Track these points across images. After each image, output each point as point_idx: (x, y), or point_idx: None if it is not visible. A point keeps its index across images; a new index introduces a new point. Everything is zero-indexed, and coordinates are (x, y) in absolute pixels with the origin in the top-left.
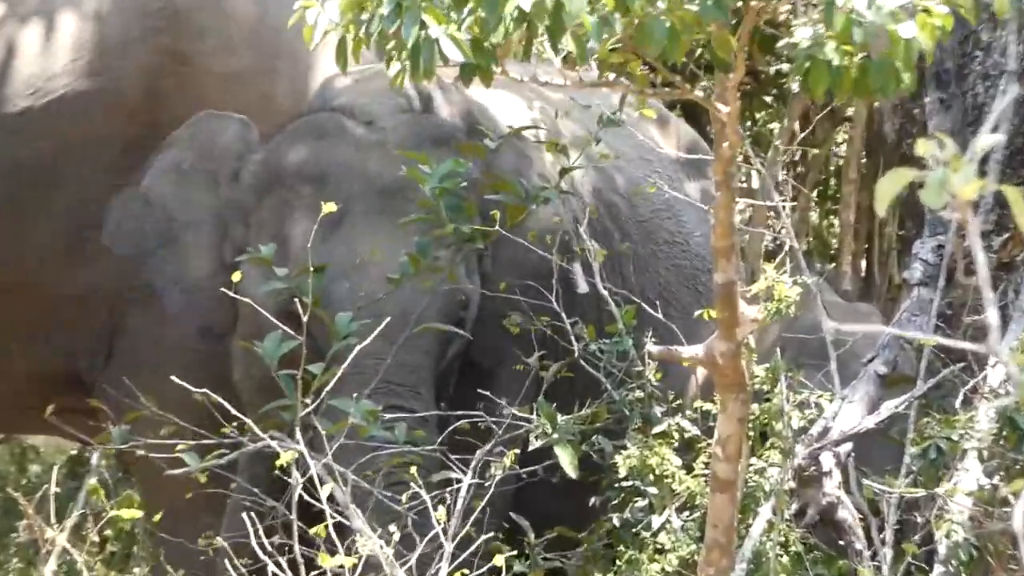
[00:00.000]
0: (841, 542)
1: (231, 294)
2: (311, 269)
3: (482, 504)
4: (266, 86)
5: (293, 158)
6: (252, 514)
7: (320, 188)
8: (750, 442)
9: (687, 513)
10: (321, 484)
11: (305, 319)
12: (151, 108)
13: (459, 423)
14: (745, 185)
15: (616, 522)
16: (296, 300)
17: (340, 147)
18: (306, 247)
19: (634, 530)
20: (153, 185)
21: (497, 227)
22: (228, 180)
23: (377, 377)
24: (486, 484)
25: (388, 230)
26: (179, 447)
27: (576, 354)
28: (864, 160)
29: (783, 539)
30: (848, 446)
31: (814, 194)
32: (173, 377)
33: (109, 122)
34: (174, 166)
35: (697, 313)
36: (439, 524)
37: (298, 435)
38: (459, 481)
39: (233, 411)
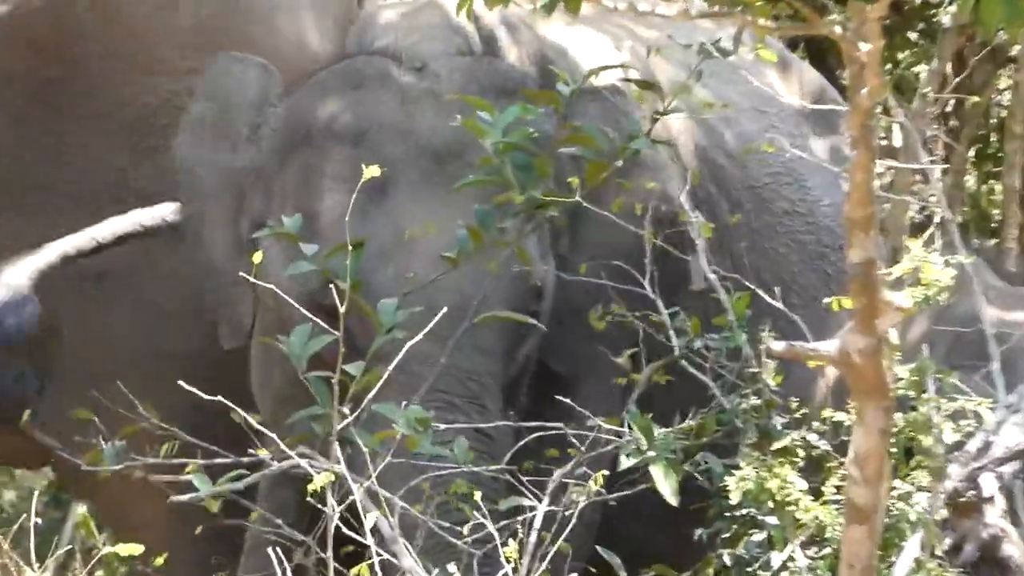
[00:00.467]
0: None
1: (251, 279)
2: (348, 247)
3: (561, 538)
4: (279, 23)
5: (323, 112)
6: (278, 549)
7: (358, 149)
8: (893, 461)
9: (815, 549)
10: (363, 513)
11: (343, 309)
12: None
13: (531, 437)
14: (885, 142)
15: (727, 560)
16: (331, 287)
17: (383, 98)
18: (340, 222)
19: (749, 569)
20: (180, 144)
21: (577, 193)
22: (245, 138)
23: (427, 385)
24: (566, 513)
25: (442, 200)
26: (188, 468)
27: (677, 352)
28: None
29: None
30: (1014, 466)
31: (971, 153)
32: (182, 382)
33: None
34: (197, 120)
35: (826, 301)
36: (508, 563)
37: (336, 451)
38: (532, 509)
39: (253, 422)
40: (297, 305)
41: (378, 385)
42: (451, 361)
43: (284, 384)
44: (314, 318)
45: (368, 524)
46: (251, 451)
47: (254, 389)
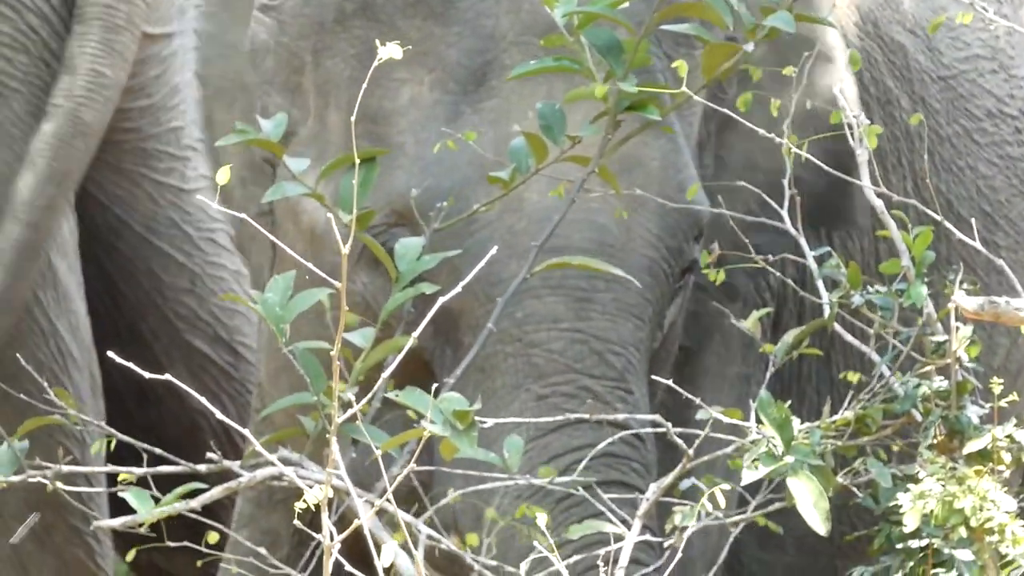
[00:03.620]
0: None
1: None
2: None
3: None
4: None
5: None
6: None
7: (439, 23)
8: None
9: None
10: (373, 545)
11: (345, 250)
12: None
13: (616, 437)
14: None
15: None
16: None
17: None
18: (425, 127)
19: None
20: (197, 28)
21: (684, 86)
22: (260, 9)
23: (551, 364)
24: (669, 543)
25: (587, 95)
26: (120, 476)
27: (828, 314)
28: None
29: None
30: None
31: None
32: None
33: None
34: None
35: None
36: None
37: (334, 454)
38: (619, 539)
39: (220, 415)
40: (299, 257)
41: (394, 364)
42: (582, 325)
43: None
44: (328, 279)
45: (383, 561)
46: (211, 455)
47: (267, 377)
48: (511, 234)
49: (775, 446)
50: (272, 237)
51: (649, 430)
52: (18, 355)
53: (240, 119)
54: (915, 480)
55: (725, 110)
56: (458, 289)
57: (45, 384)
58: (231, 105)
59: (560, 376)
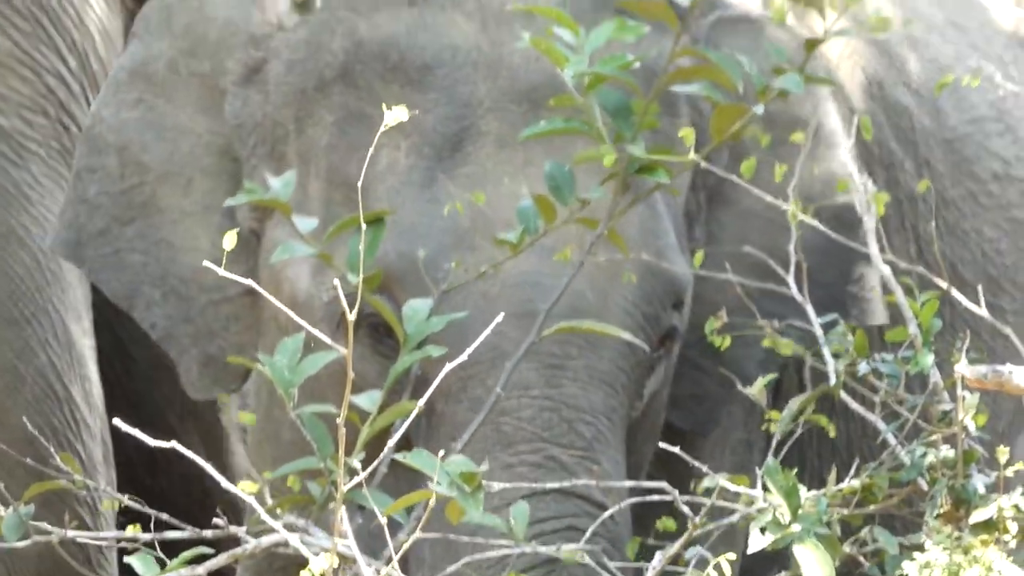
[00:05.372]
0: None
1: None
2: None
3: None
4: None
5: (369, 36)
6: None
7: (416, 89)
8: None
9: None
10: None
11: (352, 316)
12: None
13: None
14: None
15: None
16: (380, 297)
17: (456, 17)
18: (400, 192)
19: None
20: (103, 113)
21: (691, 152)
22: (239, 83)
23: (519, 432)
24: None
25: (541, 162)
26: (122, 539)
27: (834, 381)
28: None
29: None
30: None
31: None
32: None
33: None
34: (139, 75)
35: None
36: None
37: (343, 522)
38: None
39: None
40: (306, 324)
41: (403, 427)
42: (552, 392)
43: (286, 438)
44: (329, 341)
45: None
46: (217, 521)
47: (254, 446)
48: (485, 300)
49: (782, 514)
50: (278, 303)
51: (655, 497)
52: (30, 420)
53: (206, 201)
54: (921, 549)
55: (730, 174)
56: (464, 356)
57: (52, 450)
58: (187, 188)
59: (527, 445)
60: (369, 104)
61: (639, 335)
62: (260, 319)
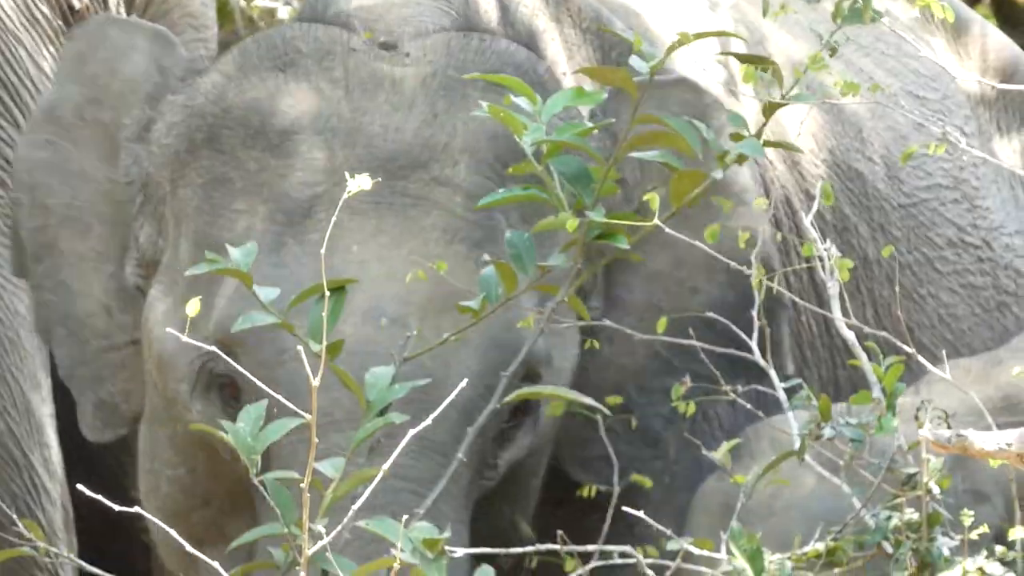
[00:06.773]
0: None
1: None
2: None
3: None
4: None
5: (236, 102)
6: None
7: (275, 155)
8: None
9: None
10: None
11: (316, 381)
12: None
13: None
14: None
15: None
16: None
17: (321, 84)
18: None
19: None
20: (21, 151)
21: (655, 218)
22: (131, 140)
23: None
24: None
25: (391, 233)
26: None
27: (798, 445)
28: None
29: None
30: None
31: None
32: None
33: None
34: (50, 116)
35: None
36: None
37: None
38: None
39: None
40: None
41: (367, 491)
42: (379, 461)
43: (190, 502)
44: (274, 393)
45: None
46: None
47: (143, 496)
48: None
49: (745, 574)
50: (235, 365)
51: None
52: None
53: (101, 248)
54: None
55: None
56: (429, 421)
57: (14, 517)
58: (84, 234)
59: (368, 507)
60: (232, 168)
61: (480, 405)
62: (144, 369)
